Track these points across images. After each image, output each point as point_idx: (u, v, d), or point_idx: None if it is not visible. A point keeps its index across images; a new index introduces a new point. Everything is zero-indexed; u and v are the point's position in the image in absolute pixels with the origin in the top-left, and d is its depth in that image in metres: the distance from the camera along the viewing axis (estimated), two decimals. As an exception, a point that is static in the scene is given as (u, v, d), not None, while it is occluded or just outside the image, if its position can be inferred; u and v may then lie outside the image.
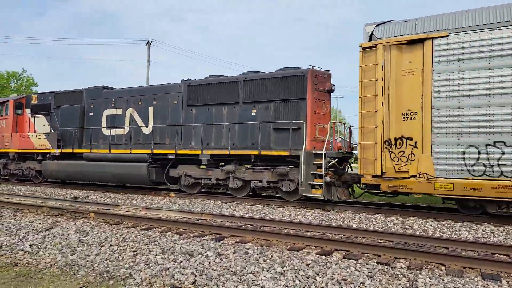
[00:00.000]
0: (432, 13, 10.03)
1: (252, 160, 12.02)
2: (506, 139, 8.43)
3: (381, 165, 9.56)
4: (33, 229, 7.86)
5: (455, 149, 8.88)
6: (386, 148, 9.57)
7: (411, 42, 9.37)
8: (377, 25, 10.00)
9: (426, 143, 9.13)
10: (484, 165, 8.61)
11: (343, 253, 6.08)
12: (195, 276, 5.02)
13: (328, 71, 12.06)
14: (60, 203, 11.43)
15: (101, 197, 13.32)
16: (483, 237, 7.54)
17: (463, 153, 8.80)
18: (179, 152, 13.26)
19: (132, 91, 15.22)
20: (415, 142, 9.25)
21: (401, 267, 5.36)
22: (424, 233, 7.73)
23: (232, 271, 5.15)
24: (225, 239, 6.92)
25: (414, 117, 9.30)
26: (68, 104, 16.48)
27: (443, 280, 4.87)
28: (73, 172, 15.75)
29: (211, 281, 4.86)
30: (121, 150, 14.64)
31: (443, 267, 5.40)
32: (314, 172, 10.80)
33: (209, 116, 13.05)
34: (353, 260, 5.63)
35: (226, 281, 4.82)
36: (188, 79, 13.86)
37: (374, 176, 9.64)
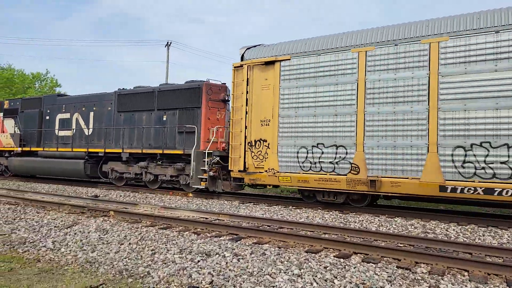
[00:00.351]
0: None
1: (157, 158, 14.43)
2: (325, 142, 10.52)
3: (244, 162, 11.75)
4: (55, 227, 8.02)
5: (292, 149, 10.99)
6: (248, 148, 11.74)
7: (267, 63, 11.48)
8: (247, 48, 12.17)
9: (275, 145, 11.26)
10: (310, 162, 10.68)
11: (362, 256, 5.99)
12: (212, 276, 5.03)
13: (224, 83, 14.31)
14: (81, 201, 11.64)
15: (120, 196, 13.51)
16: (508, 242, 7.32)
17: (297, 152, 10.89)
18: (107, 150, 15.74)
19: (78, 98, 17.86)
20: (268, 144, 11.37)
21: (422, 272, 5.24)
22: (446, 238, 7.57)
23: (249, 272, 5.14)
24: (242, 240, 6.92)
25: (268, 123, 11.41)
26: (30, 109, 19.14)
27: (466, 286, 4.75)
28: (31, 168, 18.29)
29: (228, 281, 4.85)
30: (66, 148, 17.18)
31: (466, 273, 5.26)
32: (203, 168, 12.68)
33: (133, 121, 15.46)
34: (372, 264, 5.54)
35: (243, 282, 4.81)
36: (119, 89, 16.29)
37: (240, 171, 11.81)
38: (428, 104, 9.30)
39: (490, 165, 8.59)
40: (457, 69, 9.05)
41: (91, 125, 16.67)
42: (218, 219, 8.99)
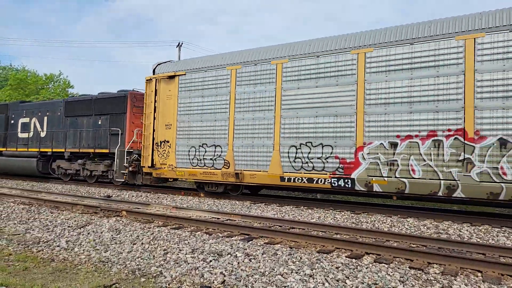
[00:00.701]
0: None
1: (90, 156, 17.17)
2: (207, 142, 12.79)
3: (152, 159, 13.97)
4: (68, 226, 8.12)
5: (185, 149, 13.21)
6: (156, 148, 13.96)
7: (170, 77, 13.78)
8: (158, 64, 14.46)
9: (174, 145, 13.44)
10: (197, 159, 12.92)
11: (374, 256, 5.96)
12: (224, 276, 5.05)
13: (136, 91, 16.57)
14: (94, 201, 11.77)
15: (133, 196, 13.62)
16: (523, 243, 7.23)
17: (189, 151, 13.14)
18: (54, 150, 18.30)
19: (36, 105, 20.53)
20: (170, 144, 13.55)
21: (435, 273, 5.20)
22: (459, 238, 7.49)
23: (261, 272, 5.15)
24: (253, 240, 6.93)
25: (170, 127, 13.63)
26: None
27: (479, 287, 4.70)
28: None
29: (240, 281, 4.87)
30: (24, 149, 19.61)
31: (479, 274, 5.20)
32: (125, 164, 14.98)
33: (75, 124, 17.94)
34: (385, 264, 5.51)
35: (255, 282, 4.82)
36: (67, 97, 19.26)
37: (149, 167, 14.01)
38: (275, 112, 11.51)
39: (311, 160, 10.85)
40: (291, 85, 11.33)
41: (45, 128, 19.09)
42: (230, 219, 9.02)
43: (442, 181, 9.12)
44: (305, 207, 10.99)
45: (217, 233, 7.48)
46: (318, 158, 10.71)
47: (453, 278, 4.99)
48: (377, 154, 9.93)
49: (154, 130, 14.00)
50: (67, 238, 7.14)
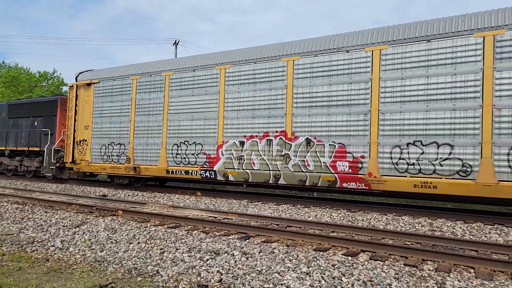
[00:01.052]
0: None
1: (25, 153, 19.30)
2: (115, 141, 14.94)
3: (73, 155, 16.10)
4: (63, 226, 8.09)
5: (98, 147, 15.41)
6: (76, 146, 16.08)
7: (88, 84, 15.91)
8: (80, 73, 16.51)
9: (89, 143, 15.65)
10: (107, 155, 15.10)
11: (370, 254, 6.00)
12: (221, 274, 5.06)
13: (64, 95, 19.02)
14: (89, 200, 11.73)
15: (129, 195, 13.59)
16: (516, 240, 7.31)
17: (100, 148, 15.31)
18: None
19: None
20: (87, 142, 15.72)
21: (429, 269, 5.25)
22: (453, 236, 7.56)
23: (257, 270, 5.17)
24: (251, 238, 6.95)
25: (88, 128, 15.81)
26: None
27: (472, 283, 4.75)
28: None
29: (237, 279, 4.89)
30: None
31: (472, 270, 5.27)
32: (53, 161, 17.00)
33: (17, 125, 19.89)
34: (380, 262, 5.55)
35: (252, 280, 4.84)
36: (11, 100, 20.82)
37: (70, 162, 16.10)
38: (163, 116, 13.72)
39: (188, 156, 13.10)
40: (176, 93, 13.54)
41: None
42: (227, 218, 9.03)
43: (271, 172, 11.41)
44: (302, 206, 11.02)
45: (214, 232, 7.49)
46: (192, 154, 13.00)
47: (446, 274, 5.04)
48: (231, 150, 12.20)
49: (75, 131, 16.16)
50: (62, 238, 7.12)
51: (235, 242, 6.61)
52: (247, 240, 6.78)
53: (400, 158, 9.66)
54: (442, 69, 9.38)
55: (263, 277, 4.94)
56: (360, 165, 10.17)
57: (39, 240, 7.02)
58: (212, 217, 9.18)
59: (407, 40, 9.78)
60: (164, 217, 8.70)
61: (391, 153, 9.78)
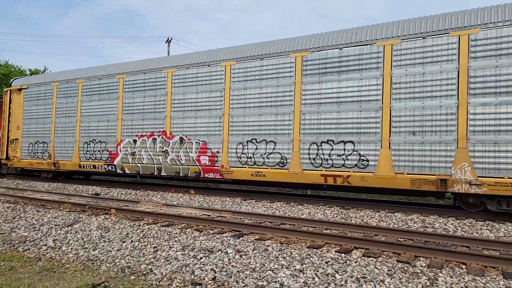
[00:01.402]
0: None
1: None
2: (39, 140, 16.96)
3: (7, 153, 18.11)
4: (56, 225, 8.03)
5: (27, 145, 17.35)
6: (10, 144, 18.05)
7: (19, 89, 17.73)
8: (15, 79, 18.40)
9: (20, 141, 17.66)
10: (34, 152, 17.16)
11: (363, 251, 6.04)
12: (215, 272, 5.06)
13: (1, 99, 20.23)
14: (81, 199, 11.66)
15: (122, 193, 13.52)
16: (505, 236, 7.39)
17: (29, 146, 17.32)
18: None
19: None
20: (18, 141, 17.63)
21: (422, 266, 5.30)
22: (445, 232, 7.62)
23: (251, 268, 5.18)
24: (244, 236, 6.95)
25: (19, 128, 17.74)
26: None
27: (464, 279, 4.80)
28: None
29: (230, 277, 4.89)
30: None
31: (464, 266, 5.32)
32: None
33: None
34: (373, 258, 5.59)
35: (246, 278, 4.84)
36: None
37: (5, 159, 18.10)
38: (77, 118, 15.71)
39: (95, 152, 15.14)
40: (85, 98, 15.60)
41: None
42: (221, 216, 9.03)
43: (155, 165, 13.56)
44: (296, 203, 11.05)
45: (207, 230, 7.48)
46: (98, 151, 15.03)
47: (438, 270, 5.09)
48: (127, 147, 14.30)
49: (9, 131, 18.10)
50: (54, 237, 7.07)
51: (229, 240, 6.61)
52: (241, 238, 6.79)
53: (242, 153, 11.89)
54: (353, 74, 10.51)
55: (257, 274, 4.95)
56: (216, 158, 12.39)
57: (31, 239, 6.97)
58: (206, 215, 9.17)
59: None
60: (157, 216, 8.67)
61: (236, 148, 12.00)
